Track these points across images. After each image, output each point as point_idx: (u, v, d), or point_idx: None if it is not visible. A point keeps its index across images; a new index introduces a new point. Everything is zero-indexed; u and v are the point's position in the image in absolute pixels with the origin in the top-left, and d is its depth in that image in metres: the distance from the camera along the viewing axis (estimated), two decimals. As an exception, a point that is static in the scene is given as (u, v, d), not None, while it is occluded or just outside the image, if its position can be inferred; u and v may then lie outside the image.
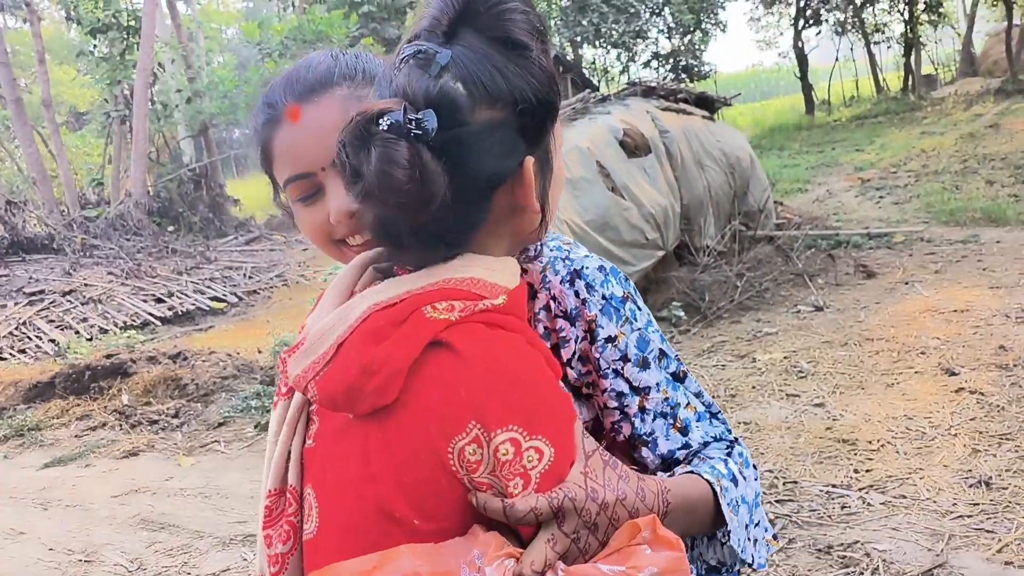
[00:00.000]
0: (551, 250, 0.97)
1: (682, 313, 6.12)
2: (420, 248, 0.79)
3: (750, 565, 0.95)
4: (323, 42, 14.45)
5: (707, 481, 0.90)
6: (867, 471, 3.45)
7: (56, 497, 4.53)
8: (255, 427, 5.19)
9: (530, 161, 0.79)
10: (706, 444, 0.97)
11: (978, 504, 3.07)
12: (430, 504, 0.73)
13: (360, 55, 0.98)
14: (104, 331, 8.97)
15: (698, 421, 0.97)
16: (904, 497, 3.21)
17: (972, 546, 2.81)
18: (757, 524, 0.97)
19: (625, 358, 0.93)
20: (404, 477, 0.73)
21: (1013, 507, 3.02)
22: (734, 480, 0.93)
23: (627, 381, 0.94)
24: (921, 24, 22.08)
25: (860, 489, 3.31)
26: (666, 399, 0.95)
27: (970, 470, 3.32)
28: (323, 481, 0.80)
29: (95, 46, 15.93)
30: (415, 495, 0.73)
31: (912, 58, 22.24)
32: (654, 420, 0.94)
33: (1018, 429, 3.63)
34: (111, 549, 3.78)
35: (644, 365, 0.94)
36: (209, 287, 10.39)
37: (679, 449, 0.95)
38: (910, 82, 22.06)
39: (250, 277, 11.05)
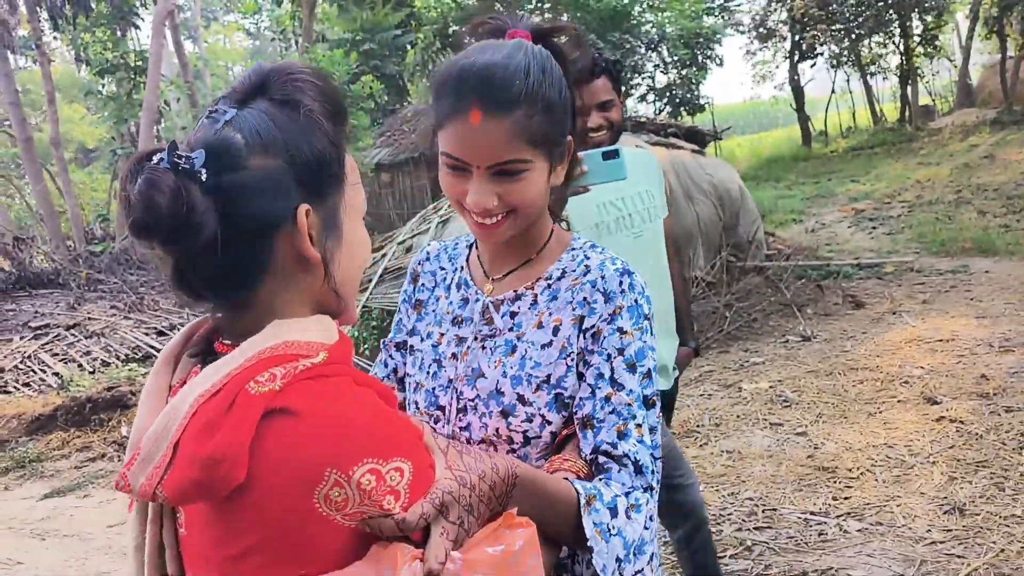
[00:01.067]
0: (615, 255, 1.20)
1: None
2: (215, 295, 0.85)
3: None
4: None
5: (575, 489, 1.02)
6: (845, 499, 3.52)
7: (54, 527, 4.61)
8: (251, 458, 5.27)
9: (304, 208, 0.84)
10: (625, 459, 1.07)
11: (951, 530, 3.13)
12: (309, 553, 0.77)
13: (545, 76, 1.09)
14: (106, 364, 9.08)
15: (637, 442, 1.08)
16: (880, 524, 3.27)
17: (942, 571, 2.87)
18: (639, 571, 1.05)
19: (621, 351, 1.10)
20: (278, 543, 0.77)
21: (984, 532, 3.09)
22: (612, 510, 1.03)
23: (611, 369, 1.10)
24: (917, 56, 22.39)
25: (838, 516, 3.38)
26: (628, 405, 1.08)
27: (946, 497, 3.39)
28: (206, 565, 0.83)
29: (103, 86, 16.31)
30: (294, 551, 0.77)
31: (909, 89, 22.52)
32: (609, 413, 1.08)
33: (994, 456, 3.70)
34: (106, 579, 3.86)
35: (631, 369, 1.10)
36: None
37: (606, 445, 1.07)
38: (907, 113, 22.31)
39: (252, 310, 11.18)
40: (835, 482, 3.68)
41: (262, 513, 0.77)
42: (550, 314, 1.15)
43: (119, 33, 15.94)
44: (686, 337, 2.61)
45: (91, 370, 8.89)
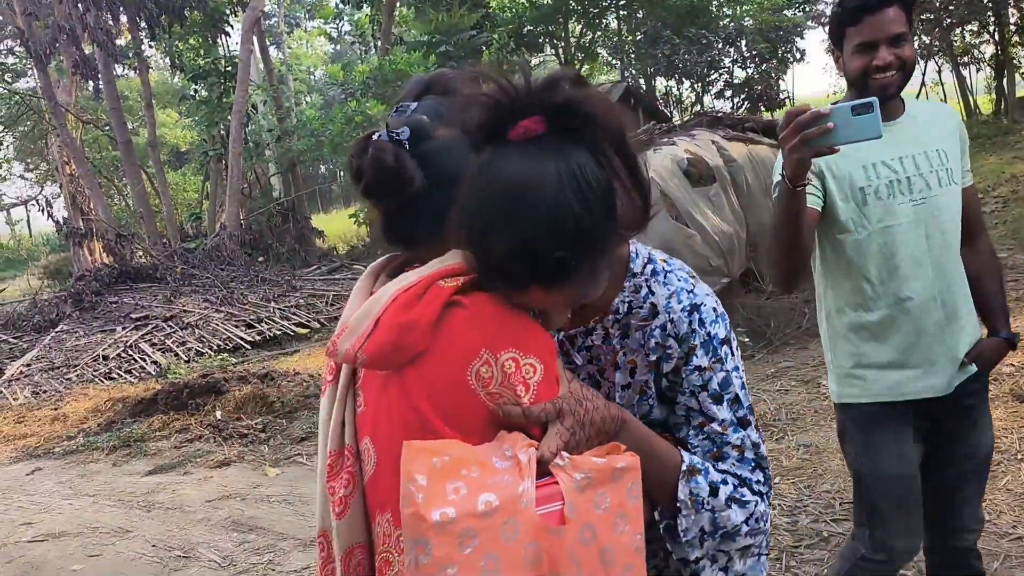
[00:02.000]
0: (678, 279, 1.16)
1: (747, 339, 6.17)
2: (420, 237, 1.09)
3: (693, 564, 1.11)
4: (403, 80, 15.14)
5: (680, 456, 1.09)
6: (925, 492, 3.47)
7: (158, 500, 4.95)
8: (336, 442, 5.53)
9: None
10: (726, 475, 1.11)
11: (1037, 526, 3.07)
12: (457, 416, 0.97)
13: (588, 204, 0.96)
14: (200, 353, 9.61)
15: (738, 462, 1.12)
16: (961, 518, 3.22)
17: (1027, 565, 2.82)
18: (724, 550, 1.10)
19: (704, 387, 1.13)
20: (436, 399, 0.98)
21: (1074, 530, 3.01)
22: (714, 489, 1.08)
23: (699, 403, 1.13)
24: (1013, 46, 21.29)
25: (917, 509, 3.34)
26: (722, 433, 1.12)
27: (1032, 493, 3.31)
28: (376, 426, 1.04)
29: (196, 91, 17.13)
30: (446, 410, 0.97)
31: (1004, 80, 21.44)
32: (702, 439, 1.13)
33: (1088, 455, 3.58)
34: (206, 547, 4.14)
35: (717, 400, 1.13)
36: (295, 314, 10.96)
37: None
38: (1003, 105, 21.24)
39: (332, 304, 11.59)
40: (915, 476, 3.63)
41: (430, 377, 0.98)
42: (624, 354, 1.17)
43: (211, 40, 16.75)
44: (996, 325, 2.12)
45: (186, 359, 9.43)
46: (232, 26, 16.99)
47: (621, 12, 20.32)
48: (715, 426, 1.13)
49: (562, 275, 0.96)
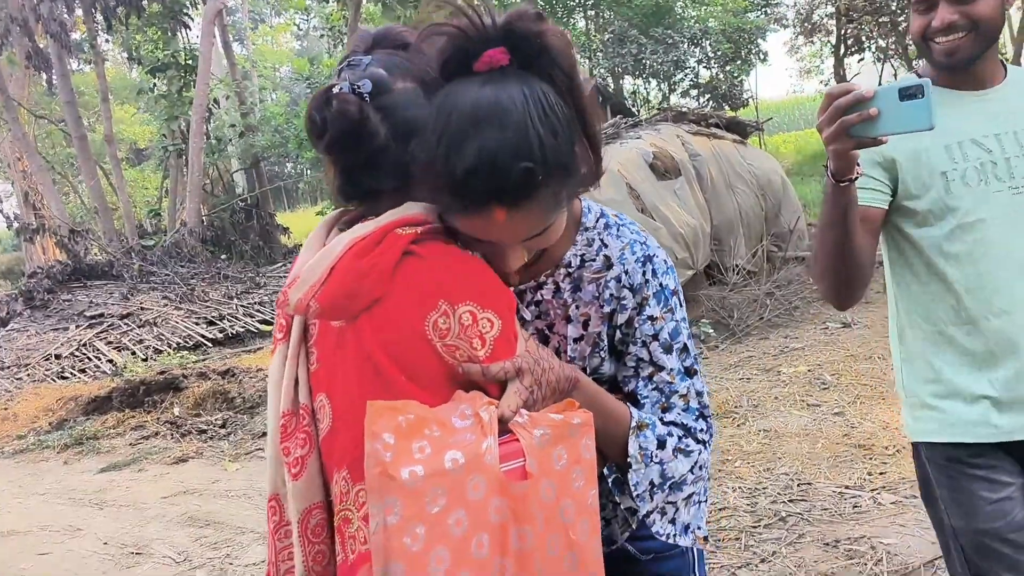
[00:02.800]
0: (631, 232, 1.18)
1: (711, 330, 6.23)
2: (379, 190, 1.06)
3: (643, 519, 1.14)
4: (369, 77, 15.02)
5: (629, 413, 1.11)
6: (881, 474, 3.52)
7: (111, 498, 4.82)
8: (296, 436, 5.45)
9: None
10: (673, 426, 1.14)
11: (988, 504, 3.12)
12: (413, 366, 0.96)
13: (554, 135, 0.96)
14: (159, 352, 9.40)
15: (683, 411, 1.15)
16: (915, 497, 3.26)
17: (978, 541, 2.87)
18: (674, 503, 1.13)
19: (656, 337, 1.15)
20: (392, 348, 0.96)
21: None
22: (661, 442, 1.11)
23: (649, 353, 1.15)
24: (967, 49, 21.84)
25: (872, 490, 3.39)
26: (669, 383, 1.15)
27: (984, 473, 3.37)
28: (331, 382, 1.02)
29: (155, 85, 16.78)
30: (402, 360, 0.96)
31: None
32: (652, 390, 1.15)
33: (1037, 436, 3.66)
34: (160, 543, 4.04)
35: (667, 350, 1.15)
36: (258, 311, 10.79)
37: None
38: (956, 107, 21.76)
39: (296, 301, 11.43)
40: (871, 459, 3.68)
41: (385, 326, 0.97)
42: (576, 307, 1.16)
43: (170, 33, 16.41)
44: None
45: (144, 357, 9.22)
46: (192, 18, 16.67)
47: (589, 12, 20.42)
48: (664, 375, 1.15)
49: (525, 191, 0.94)
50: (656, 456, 1.11)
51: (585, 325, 1.17)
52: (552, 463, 0.96)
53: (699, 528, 1.17)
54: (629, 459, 1.10)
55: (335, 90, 1.03)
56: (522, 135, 0.93)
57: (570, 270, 1.17)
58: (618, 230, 1.18)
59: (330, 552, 1.04)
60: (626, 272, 1.15)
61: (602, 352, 1.18)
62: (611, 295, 1.16)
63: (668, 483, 1.12)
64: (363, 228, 1.02)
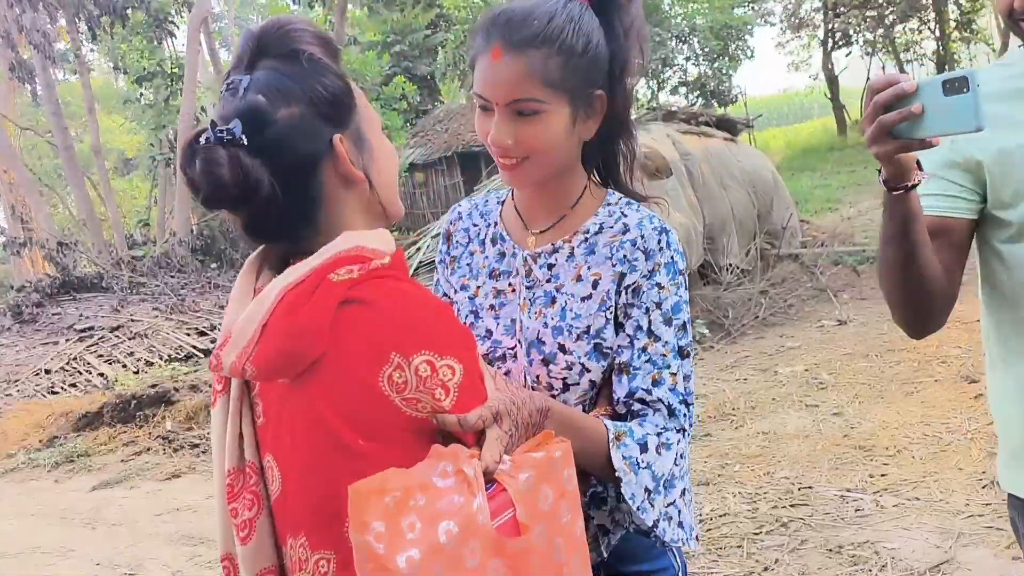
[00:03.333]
0: (649, 211, 1.22)
1: (706, 330, 6.19)
2: (290, 233, 0.96)
3: (652, 530, 1.11)
4: (357, 80, 14.94)
5: (606, 426, 1.09)
6: (882, 475, 3.49)
7: (103, 517, 4.76)
8: (290, 448, 5.39)
9: (338, 138, 0.94)
10: (657, 404, 1.13)
11: (990, 504, 3.09)
12: (372, 424, 0.87)
13: (573, 25, 1.11)
14: (150, 364, 9.32)
15: (670, 390, 1.14)
16: (918, 499, 3.24)
17: (981, 543, 2.84)
18: (671, 503, 1.12)
19: (658, 305, 1.15)
20: (345, 407, 0.87)
21: (1027, 506, 3.04)
22: (643, 445, 1.10)
23: (649, 321, 1.15)
24: (954, 42, 21.93)
25: (874, 492, 3.35)
26: (664, 356, 1.14)
27: (984, 472, 3.34)
28: (278, 442, 0.93)
29: (141, 94, 16.69)
30: (358, 418, 0.87)
31: (945, 75, 22.07)
32: (645, 362, 1.14)
33: (1037, 432, 3.64)
34: (154, 563, 3.98)
35: (667, 322, 1.15)
36: (249, 320, 10.72)
37: (641, 391, 1.13)
38: (944, 99, 21.83)
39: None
40: (871, 460, 3.65)
41: (335, 386, 0.88)
42: (588, 268, 1.18)
43: (155, 41, 16.31)
44: None
45: (135, 370, 9.13)
46: (178, 26, 16.59)
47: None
48: (659, 347, 1.14)
49: (524, 38, 1.09)
50: (643, 461, 1.09)
51: (595, 285, 1.18)
52: (539, 504, 0.91)
53: (693, 528, 1.17)
54: (617, 473, 1.07)
55: (200, 140, 0.89)
56: (548, 7, 1.11)
57: (587, 236, 1.20)
58: (637, 207, 1.22)
59: None
60: (642, 236, 1.16)
61: (607, 313, 1.16)
62: (624, 256, 1.16)
63: (661, 483, 1.11)
64: (295, 272, 0.90)
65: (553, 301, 1.19)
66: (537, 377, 1.18)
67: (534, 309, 1.19)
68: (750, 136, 18.69)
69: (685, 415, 1.14)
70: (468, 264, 1.30)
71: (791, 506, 3.37)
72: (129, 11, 14.76)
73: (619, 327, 1.17)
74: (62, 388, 8.80)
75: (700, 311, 6.51)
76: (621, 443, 1.08)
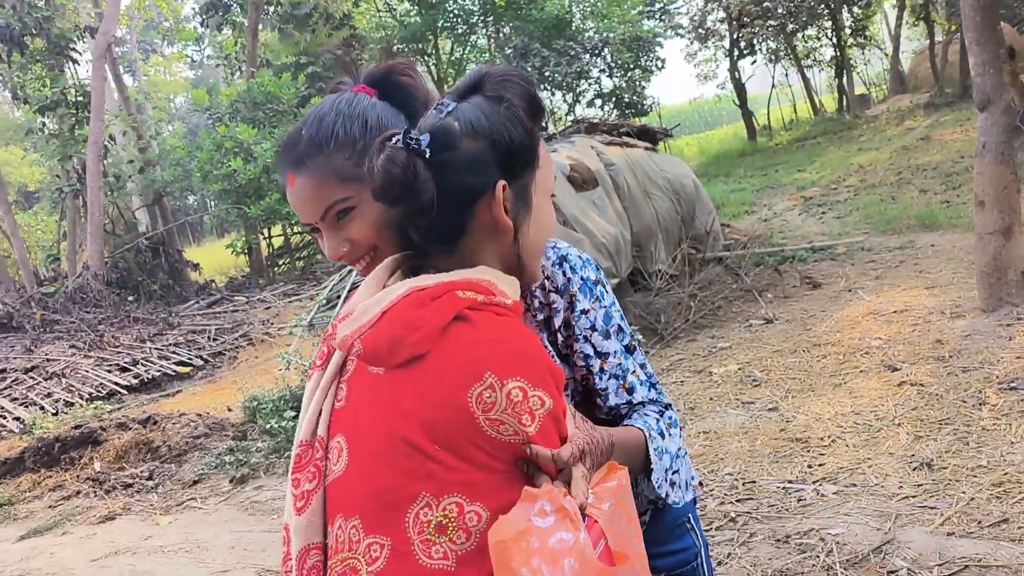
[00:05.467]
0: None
1: (640, 336, 6.33)
2: (432, 244, 1.06)
3: (664, 500, 1.22)
4: (272, 103, 14.69)
5: (640, 430, 1.18)
6: (820, 465, 3.65)
7: (35, 567, 4.50)
8: (230, 481, 5.23)
9: (502, 184, 1.03)
10: (644, 403, 1.23)
11: (921, 485, 3.28)
12: (446, 437, 0.93)
13: (343, 114, 1.17)
14: (70, 404, 8.88)
15: (640, 385, 1.24)
16: (855, 485, 3.41)
17: (917, 522, 3.01)
18: (677, 472, 1.23)
19: (593, 328, 1.23)
20: (427, 415, 0.93)
21: (953, 484, 3.24)
22: (661, 434, 1.20)
23: (592, 346, 1.22)
24: (850, 47, 23.13)
25: (814, 482, 3.51)
26: (619, 364, 1.23)
27: (913, 455, 3.54)
28: (355, 425, 1.00)
29: (44, 124, 15.95)
30: (435, 429, 0.93)
31: (844, 79, 23.24)
32: (608, 379, 1.22)
33: (956, 414, 3.88)
34: (95, 612, 3.80)
35: (606, 335, 1.23)
36: (174, 352, 10.35)
37: (623, 404, 1.22)
38: (844, 102, 23.01)
39: (214, 339, 11.03)
40: (808, 451, 3.82)
41: (425, 389, 0.94)
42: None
43: (57, 69, 15.62)
44: None
45: (54, 411, 8.69)
46: (80, 53, 15.94)
47: (490, 29, 20.60)
48: (612, 360, 1.23)
49: (305, 156, 1.14)
50: (662, 448, 1.19)
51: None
52: (619, 531, 0.98)
53: (692, 477, 1.27)
54: (651, 466, 1.17)
55: (392, 140, 1.01)
56: (318, 115, 1.17)
57: None
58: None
59: None
60: (547, 278, 1.23)
61: (553, 358, 1.23)
62: (540, 303, 1.23)
63: (673, 459, 1.22)
64: (427, 279, 1.01)
65: None
66: None
67: None
68: (665, 145, 19.24)
69: (660, 392, 1.26)
70: None
71: (737, 501, 3.49)
72: (27, 39, 14.11)
73: (564, 358, 1.25)
74: (-26, 437, 8.29)
75: (634, 318, 6.66)
76: (651, 439, 1.18)
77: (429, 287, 0.99)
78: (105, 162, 15.72)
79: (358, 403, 1.01)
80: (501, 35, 20.71)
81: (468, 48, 21.14)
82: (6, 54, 14.06)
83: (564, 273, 1.22)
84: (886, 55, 25.60)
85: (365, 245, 1.15)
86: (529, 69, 19.00)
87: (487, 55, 20.90)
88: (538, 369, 0.98)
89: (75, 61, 16.14)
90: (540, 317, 1.23)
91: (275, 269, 16.08)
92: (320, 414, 1.04)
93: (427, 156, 0.99)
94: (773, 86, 24.53)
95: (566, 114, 20.64)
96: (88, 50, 15.57)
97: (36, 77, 15.72)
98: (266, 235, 16.60)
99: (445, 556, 0.90)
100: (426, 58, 20.08)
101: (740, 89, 22.67)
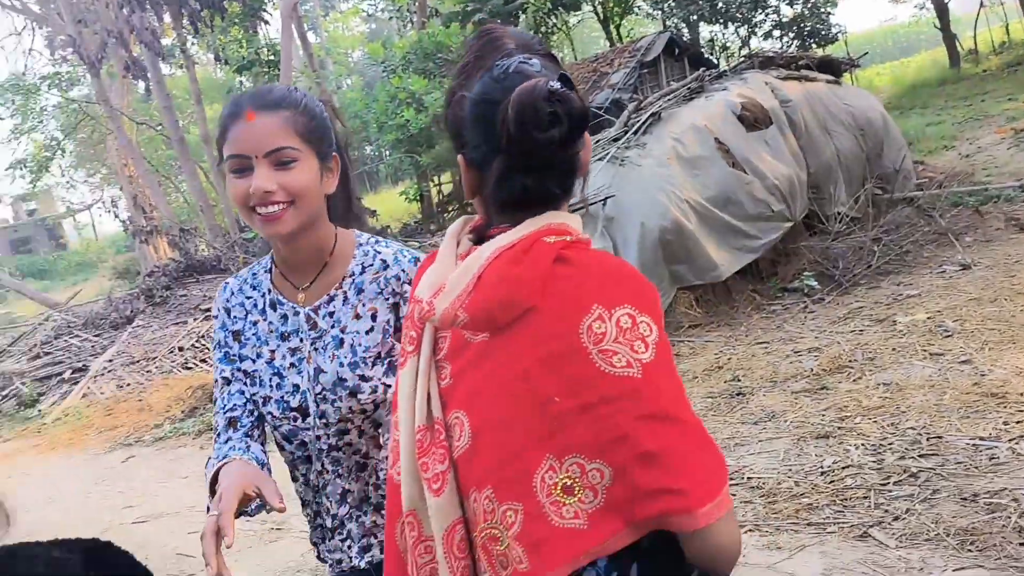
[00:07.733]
0: (395, 243, 1.44)
1: (815, 283, 6.04)
2: (560, 185, 1.02)
3: None
4: (442, 53, 15.07)
5: None
6: (1018, 423, 3.36)
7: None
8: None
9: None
10: None
11: None
12: (570, 381, 0.92)
13: (307, 95, 1.37)
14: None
15: None
16: (1058, 446, 3.12)
17: None
18: None
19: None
20: (546, 365, 0.93)
21: None
22: None
23: None
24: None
25: (1010, 440, 3.24)
26: None
27: None
28: (472, 397, 0.99)
29: (241, 83, 17.37)
30: (560, 374, 0.93)
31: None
32: None
33: None
34: (297, 519, 4.28)
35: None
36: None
37: None
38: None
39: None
40: (1005, 407, 3.52)
41: (540, 338, 0.94)
42: (363, 304, 1.38)
43: (251, 31, 16.89)
44: None
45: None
46: (271, 14, 17.12)
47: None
48: None
49: (271, 102, 1.31)
50: None
51: (374, 317, 1.37)
52: None
53: None
54: None
55: (553, 84, 0.94)
56: (282, 87, 1.36)
57: (354, 278, 1.39)
58: (386, 243, 1.44)
59: (473, 568, 1.02)
60: (403, 270, 1.37)
61: (394, 337, 1.35)
62: (393, 290, 1.37)
63: None
64: (506, 237, 0.99)
65: (342, 343, 1.37)
66: (350, 408, 1.34)
67: (327, 354, 1.37)
68: (853, 76, 17.75)
69: None
70: (254, 334, 1.43)
71: (919, 456, 3.30)
72: (226, 3, 15.35)
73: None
74: (194, 364, 9.46)
75: (808, 263, 6.34)
76: None
77: (515, 243, 0.97)
78: (294, 116, 16.87)
79: (469, 376, 1.00)
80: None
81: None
82: (209, 19, 15.39)
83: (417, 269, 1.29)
84: None
85: (289, 194, 1.28)
86: (700, 1, 18.09)
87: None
88: (642, 293, 0.97)
89: (266, 22, 17.37)
90: (391, 301, 1.37)
91: (445, 215, 16.71)
92: (429, 397, 1.04)
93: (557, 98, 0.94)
94: (982, 4, 21.74)
95: (740, 48, 19.54)
96: (277, 10, 16.67)
97: (234, 39, 17.09)
98: (436, 182, 17.23)
99: (576, 515, 0.92)
100: (592, -2, 19.68)
101: (942, 9, 20.32)
